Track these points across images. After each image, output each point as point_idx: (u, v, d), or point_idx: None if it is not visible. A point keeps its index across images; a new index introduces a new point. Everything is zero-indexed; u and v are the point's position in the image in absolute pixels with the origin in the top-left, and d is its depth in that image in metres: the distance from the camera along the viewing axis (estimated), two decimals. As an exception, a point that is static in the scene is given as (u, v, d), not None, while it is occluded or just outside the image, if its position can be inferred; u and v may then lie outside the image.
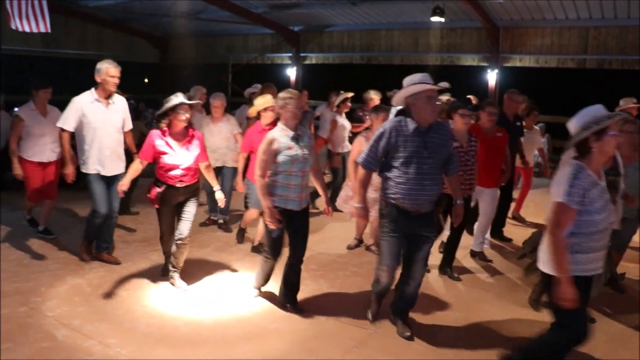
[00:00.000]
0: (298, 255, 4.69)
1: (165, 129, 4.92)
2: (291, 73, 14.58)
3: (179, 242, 5.06)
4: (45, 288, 5.06)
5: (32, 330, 4.27)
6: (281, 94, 4.57)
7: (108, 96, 5.57)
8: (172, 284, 5.18)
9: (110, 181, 5.62)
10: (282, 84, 13.54)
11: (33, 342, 4.09)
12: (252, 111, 5.99)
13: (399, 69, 13.12)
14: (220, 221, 7.13)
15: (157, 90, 17.03)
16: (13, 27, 7.65)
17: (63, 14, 13.64)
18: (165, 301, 4.90)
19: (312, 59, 14.65)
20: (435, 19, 10.67)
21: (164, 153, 4.90)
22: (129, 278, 5.37)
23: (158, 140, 4.90)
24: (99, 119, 5.50)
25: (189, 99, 4.97)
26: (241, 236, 6.58)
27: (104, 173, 5.57)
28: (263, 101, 5.82)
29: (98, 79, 5.46)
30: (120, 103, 5.73)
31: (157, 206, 5.03)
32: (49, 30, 7.76)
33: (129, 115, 5.88)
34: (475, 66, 12.68)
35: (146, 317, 4.55)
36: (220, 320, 4.58)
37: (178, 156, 4.93)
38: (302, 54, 14.59)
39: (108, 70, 5.43)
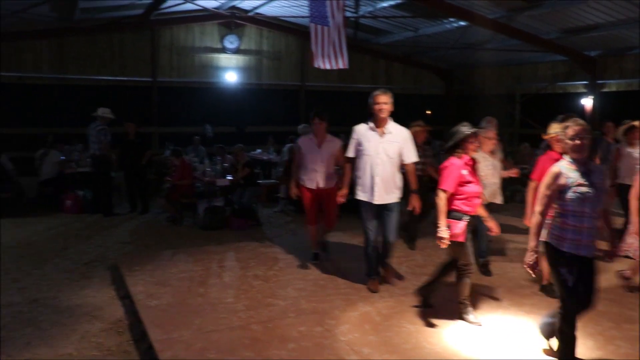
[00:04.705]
0: (585, 311, 4.05)
1: (464, 157, 4.95)
2: (586, 102, 13.31)
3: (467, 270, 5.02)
4: (339, 311, 5.32)
5: (326, 351, 4.48)
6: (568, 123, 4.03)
7: (383, 125, 5.70)
8: (466, 320, 5.05)
9: (381, 209, 5.72)
10: (576, 115, 12.49)
11: (327, 364, 4.30)
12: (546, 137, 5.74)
13: None
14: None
15: (439, 121, 17.25)
16: (316, 65, 8.50)
17: (358, 52, 14.79)
18: (454, 341, 4.72)
19: (612, 86, 13.21)
20: None
21: (470, 182, 4.91)
22: (417, 312, 5.33)
23: (464, 169, 4.93)
24: (372, 147, 5.67)
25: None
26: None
27: (373, 201, 5.68)
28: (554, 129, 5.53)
29: (371, 109, 5.68)
30: (399, 134, 5.75)
31: (463, 240, 4.89)
32: (347, 67, 8.43)
33: (410, 147, 5.80)
34: None
35: (434, 356, 4.42)
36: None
37: (478, 185, 5.00)
38: (599, 81, 13.27)
39: (375, 98, 5.62)
